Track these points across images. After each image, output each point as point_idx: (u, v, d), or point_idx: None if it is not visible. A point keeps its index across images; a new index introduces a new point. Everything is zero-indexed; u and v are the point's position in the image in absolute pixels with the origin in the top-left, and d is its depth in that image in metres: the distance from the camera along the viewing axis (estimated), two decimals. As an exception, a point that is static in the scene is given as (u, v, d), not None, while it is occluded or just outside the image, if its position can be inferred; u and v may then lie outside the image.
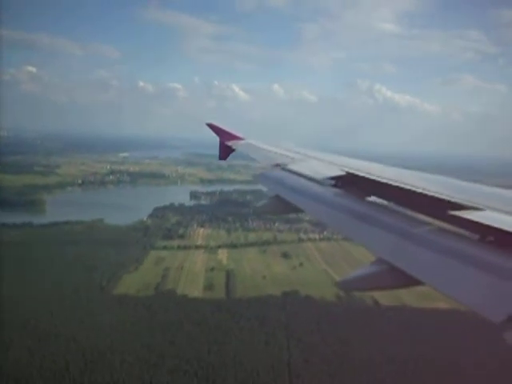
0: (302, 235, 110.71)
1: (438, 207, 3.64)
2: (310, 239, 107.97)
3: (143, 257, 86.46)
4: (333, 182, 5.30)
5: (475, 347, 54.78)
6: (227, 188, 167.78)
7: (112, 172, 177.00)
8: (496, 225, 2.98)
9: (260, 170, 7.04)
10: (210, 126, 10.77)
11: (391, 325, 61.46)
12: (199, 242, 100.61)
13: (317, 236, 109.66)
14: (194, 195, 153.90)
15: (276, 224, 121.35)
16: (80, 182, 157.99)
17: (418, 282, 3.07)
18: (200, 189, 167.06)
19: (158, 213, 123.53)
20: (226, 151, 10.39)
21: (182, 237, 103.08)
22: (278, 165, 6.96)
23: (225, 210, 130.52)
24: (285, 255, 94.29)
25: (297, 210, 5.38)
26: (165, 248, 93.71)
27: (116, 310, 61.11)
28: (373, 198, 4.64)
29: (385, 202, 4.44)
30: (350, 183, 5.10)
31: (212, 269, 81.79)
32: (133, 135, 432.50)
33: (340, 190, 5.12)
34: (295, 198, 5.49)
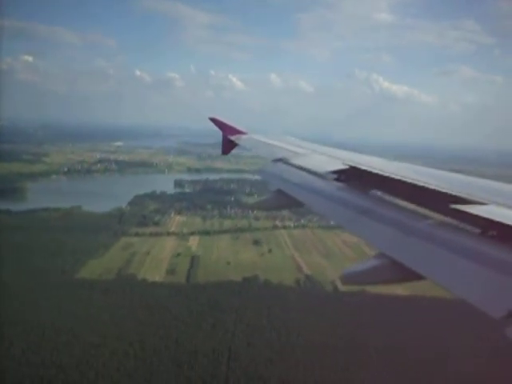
0: (278, 223, 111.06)
1: (440, 201, 3.61)
2: (284, 227, 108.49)
3: (112, 243, 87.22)
4: (335, 175, 5.30)
5: (425, 333, 55.33)
6: (213, 177, 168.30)
7: (100, 161, 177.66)
8: (498, 219, 2.96)
9: (263, 164, 7.10)
10: (213, 120, 10.72)
11: (345, 310, 61.84)
12: (173, 229, 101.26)
13: (292, 224, 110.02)
14: (178, 183, 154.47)
15: (254, 212, 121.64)
16: (66, 170, 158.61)
17: (419, 277, 3.02)
18: (186, 177, 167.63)
19: (138, 200, 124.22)
20: (228, 146, 10.31)
21: (156, 224, 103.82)
22: (280, 159, 6.96)
23: (206, 198, 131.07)
24: (256, 242, 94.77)
25: (299, 204, 5.33)
26: (136, 234, 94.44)
27: (71, 292, 61.83)
28: (375, 192, 4.64)
29: (387, 196, 4.43)
30: (353, 177, 5.10)
31: (178, 254, 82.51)
32: (130, 124, 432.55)
33: (342, 184, 5.11)
34: (297, 192, 5.46)
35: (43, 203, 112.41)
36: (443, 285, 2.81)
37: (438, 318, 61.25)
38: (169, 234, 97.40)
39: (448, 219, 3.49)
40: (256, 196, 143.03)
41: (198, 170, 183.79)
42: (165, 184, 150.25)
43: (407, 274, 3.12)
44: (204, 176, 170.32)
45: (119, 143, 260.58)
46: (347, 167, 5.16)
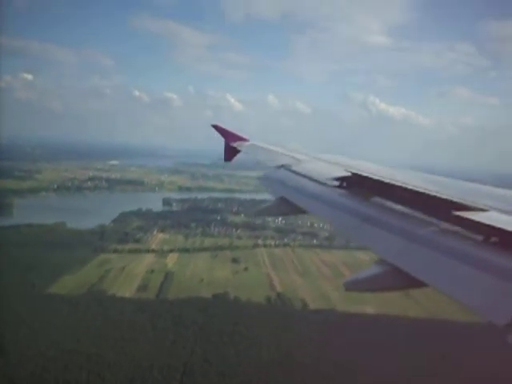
0: (260, 242, 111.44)
1: (442, 208, 3.60)
2: (265, 245, 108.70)
3: (90, 259, 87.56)
4: (338, 182, 5.29)
5: (387, 352, 55.14)
6: (202, 196, 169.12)
7: (90, 178, 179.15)
8: (500, 226, 2.95)
9: (265, 171, 7.00)
10: (216, 127, 10.84)
11: (311, 327, 61.71)
12: (153, 247, 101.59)
13: (273, 242, 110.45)
14: (166, 202, 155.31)
15: (238, 230, 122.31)
16: (55, 187, 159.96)
17: (422, 284, 3.03)
18: (175, 196, 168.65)
19: (122, 218, 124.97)
20: (231, 152, 10.38)
21: (137, 241, 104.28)
22: (282, 166, 6.96)
23: (191, 217, 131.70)
24: (235, 260, 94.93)
25: (301, 211, 5.33)
26: (115, 251, 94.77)
27: (38, 307, 62.03)
28: (378, 199, 4.60)
29: (389, 203, 4.39)
30: (355, 184, 5.09)
31: (152, 271, 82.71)
32: (127, 144, 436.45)
33: (345, 191, 5.12)
34: (300, 199, 5.46)
35: (28, 219, 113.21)
36: (446, 292, 2.79)
37: (403, 337, 61.31)
38: (148, 251, 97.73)
39: (450, 226, 3.48)
40: (242, 215, 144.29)
41: (188, 189, 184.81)
42: (153, 202, 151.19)
43: (410, 281, 3.10)
44: (194, 195, 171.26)
45: (114, 162, 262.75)
46: (349, 174, 5.10)
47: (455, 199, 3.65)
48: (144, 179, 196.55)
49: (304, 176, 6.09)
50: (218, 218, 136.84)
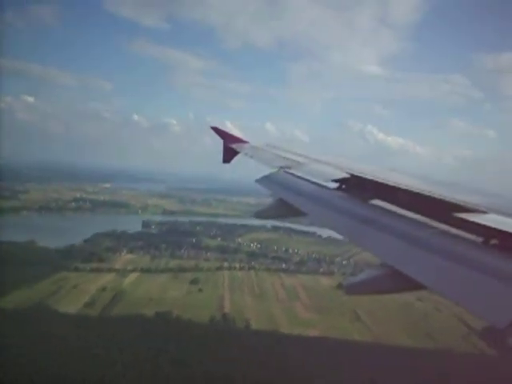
0: (226, 264, 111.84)
1: (441, 210, 3.60)
2: (230, 268, 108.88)
3: (46, 276, 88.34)
4: (337, 184, 5.28)
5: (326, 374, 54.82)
6: (184, 219, 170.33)
7: (75, 200, 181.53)
8: (500, 227, 2.97)
9: (264, 173, 7.03)
10: (215, 129, 10.72)
11: (239, 346, 61.44)
12: (116, 266, 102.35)
13: (238, 265, 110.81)
14: (146, 224, 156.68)
15: (208, 253, 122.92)
16: (37, 207, 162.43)
17: (421, 287, 3.00)
18: (157, 218, 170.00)
19: (95, 238, 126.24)
20: (229, 154, 10.18)
21: (102, 261, 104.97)
22: (281, 168, 6.92)
23: (164, 239, 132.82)
24: (193, 281, 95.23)
25: (300, 213, 5.28)
26: (76, 269, 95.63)
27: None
28: (377, 201, 4.55)
29: (389, 205, 4.35)
30: (355, 186, 5.05)
31: (104, 289, 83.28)
32: (126, 167, 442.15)
33: (344, 193, 5.09)
34: (298, 201, 5.44)
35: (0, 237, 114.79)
36: (445, 294, 2.77)
37: (346, 359, 60.92)
38: (110, 270, 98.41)
39: (450, 228, 3.45)
40: (219, 239, 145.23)
41: (172, 213, 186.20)
42: (133, 224, 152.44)
43: (410, 284, 3.07)
44: (176, 218, 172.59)
45: (107, 185, 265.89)
46: (348, 176, 5.12)
47: (455, 201, 3.63)
48: (130, 202, 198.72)
49: (303, 178, 6.03)
50: (194, 240, 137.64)
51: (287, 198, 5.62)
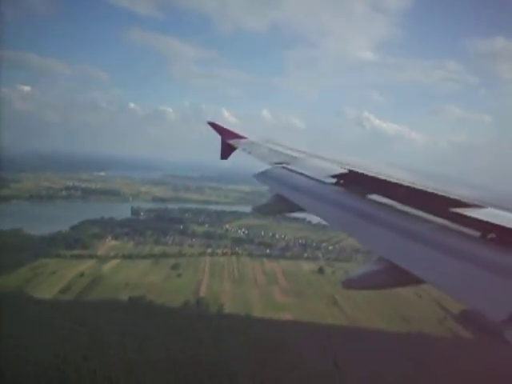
0: (209, 250, 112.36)
1: (439, 204, 3.61)
2: (212, 254, 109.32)
3: (26, 263, 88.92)
4: (335, 180, 5.25)
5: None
6: (173, 206, 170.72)
7: (66, 188, 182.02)
8: (498, 222, 2.99)
9: (262, 169, 7.01)
10: (212, 124, 10.63)
11: (209, 330, 61.93)
12: (99, 253, 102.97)
13: (220, 251, 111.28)
14: (135, 211, 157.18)
15: (193, 240, 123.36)
16: (28, 196, 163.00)
17: (419, 281, 3.01)
18: (147, 206, 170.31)
19: (81, 225, 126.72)
20: (227, 150, 10.17)
21: (85, 247, 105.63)
22: (279, 163, 6.93)
23: (151, 225, 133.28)
24: (174, 267, 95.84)
25: (298, 208, 5.30)
26: (57, 256, 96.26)
27: None
28: (375, 196, 4.55)
29: (387, 200, 4.34)
30: (352, 181, 5.05)
31: (82, 274, 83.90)
32: (122, 156, 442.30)
33: (342, 188, 5.07)
34: (296, 197, 5.43)
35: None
36: (443, 288, 2.77)
37: (313, 343, 61.29)
38: (91, 256, 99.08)
39: (447, 223, 3.46)
40: (207, 225, 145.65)
41: (163, 200, 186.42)
42: (122, 211, 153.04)
43: (407, 279, 3.08)
44: (167, 205, 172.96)
45: (102, 173, 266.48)
46: (346, 171, 5.13)
47: (452, 196, 3.62)
48: (123, 190, 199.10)
49: (301, 173, 6.03)
50: (181, 227, 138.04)
51: (285, 194, 5.58)
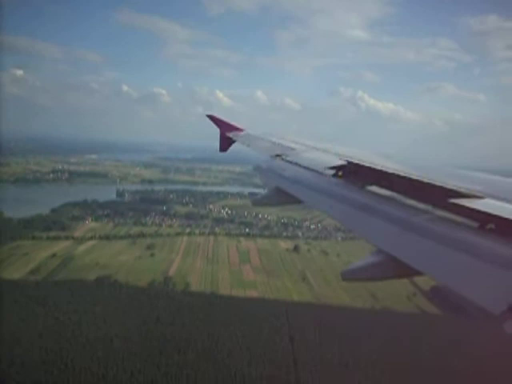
0: (188, 230, 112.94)
1: (437, 195, 3.59)
2: (190, 233, 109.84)
3: (1, 245, 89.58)
4: (333, 171, 5.26)
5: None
6: (160, 187, 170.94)
7: (53, 171, 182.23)
8: (496, 213, 2.98)
9: (260, 161, 6.99)
10: (211, 117, 10.74)
11: (170, 308, 62.49)
12: (76, 234, 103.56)
13: (197, 231, 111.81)
14: (120, 193, 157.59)
15: (173, 220, 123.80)
16: (13, 179, 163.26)
17: (417, 272, 3.01)
18: (134, 188, 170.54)
19: (63, 208, 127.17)
20: (226, 143, 10.30)
21: (62, 229, 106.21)
22: (278, 155, 6.90)
23: (133, 206, 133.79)
24: (149, 247, 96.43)
25: (296, 200, 5.30)
26: (33, 238, 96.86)
27: None
28: (374, 188, 4.56)
29: (385, 191, 4.36)
30: (351, 173, 5.05)
31: (53, 255, 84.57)
32: (115, 139, 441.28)
33: (341, 180, 5.09)
34: (295, 189, 5.44)
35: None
36: (441, 280, 2.77)
37: (273, 318, 61.90)
38: (67, 237, 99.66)
39: (446, 213, 3.45)
40: (191, 206, 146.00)
41: (150, 182, 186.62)
42: (108, 193, 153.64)
43: (406, 270, 3.09)
44: (153, 187, 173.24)
45: (94, 156, 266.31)
46: (345, 163, 5.10)
47: (451, 186, 3.61)
48: (112, 172, 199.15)
49: (299, 165, 6.04)
50: (164, 208, 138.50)
51: (284, 186, 5.61)
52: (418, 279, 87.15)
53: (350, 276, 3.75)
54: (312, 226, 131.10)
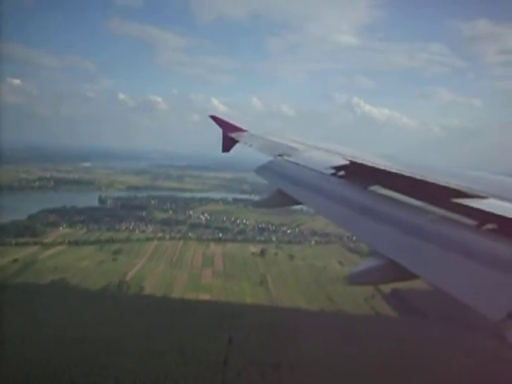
0: (160, 235, 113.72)
1: (440, 195, 3.56)
2: (160, 238, 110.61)
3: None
4: (335, 171, 5.24)
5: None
6: (144, 194, 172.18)
7: (40, 179, 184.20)
8: (500, 212, 2.94)
9: (263, 161, 7.02)
10: (213, 118, 10.78)
11: (116, 311, 62.88)
12: (47, 240, 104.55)
13: (168, 236, 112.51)
14: (102, 200, 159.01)
15: (149, 226, 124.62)
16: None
17: (417, 276, 2.97)
18: (117, 194, 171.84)
19: (40, 214, 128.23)
20: (229, 143, 10.31)
21: (34, 235, 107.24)
22: (280, 155, 6.91)
23: (113, 213, 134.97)
24: (116, 252, 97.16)
25: (298, 202, 5.24)
26: (3, 244, 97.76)
27: None
28: (376, 187, 4.51)
29: (388, 191, 4.31)
30: (353, 173, 5.01)
31: (14, 260, 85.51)
32: (112, 147, 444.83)
33: (343, 180, 5.05)
34: (295, 191, 5.42)
35: None
36: (439, 285, 2.67)
37: (217, 320, 62.12)
38: (36, 243, 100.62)
39: (449, 213, 3.40)
40: (171, 212, 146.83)
41: (137, 188, 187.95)
42: (90, 200, 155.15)
43: (405, 274, 3.03)
44: (137, 194, 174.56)
45: (87, 164, 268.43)
46: (347, 163, 5.09)
47: (453, 186, 3.57)
48: (99, 180, 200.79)
49: (301, 166, 6.01)
50: (144, 213, 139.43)
51: (285, 188, 5.56)
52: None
53: (355, 280, 3.72)
54: (289, 231, 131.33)
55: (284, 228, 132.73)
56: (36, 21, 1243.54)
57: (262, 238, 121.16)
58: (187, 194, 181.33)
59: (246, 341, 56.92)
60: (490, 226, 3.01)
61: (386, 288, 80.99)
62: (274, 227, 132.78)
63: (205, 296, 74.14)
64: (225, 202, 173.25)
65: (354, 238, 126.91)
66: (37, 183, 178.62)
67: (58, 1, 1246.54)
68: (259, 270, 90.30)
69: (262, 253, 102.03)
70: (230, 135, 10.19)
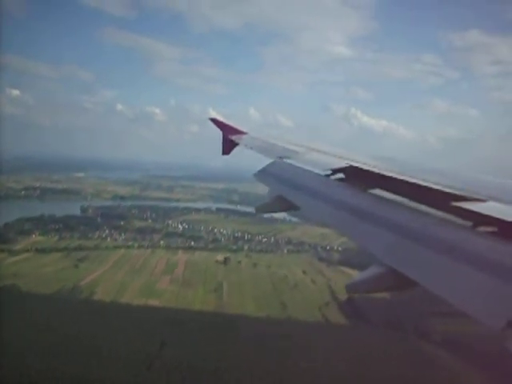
0: (130, 243, 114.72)
1: (440, 199, 3.54)
2: (129, 246, 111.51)
3: None
4: (335, 174, 5.22)
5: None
6: (127, 203, 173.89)
7: (25, 188, 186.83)
8: (500, 216, 2.91)
9: (263, 164, 7.01)
10: (213, 120, 10.76)
11: (62, 315, 63.24)
12: (16, 247, 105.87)
13: (136, 244, 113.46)
14: (84, 209, 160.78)
15: (123, 235, 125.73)
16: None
17: (417, 284, 2.86)
18: (101, 204, 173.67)
19: (16, 223, 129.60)
20: (229, 146, 10.23)
21: (4, 242, 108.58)
22: (280, 158, 6.91)
23: (90, 222, 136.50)
24: (81, 259, 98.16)
25: (296, 207, 5.18)
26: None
27: None
28: (376, 191, 4.49)
29: (387, 194, 4.26)
30: (353, 176, 5.01)
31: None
32: (108, 158, 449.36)
33: (342, 183, 5.07)
34: (294, 195, 5.38)
35: None
36: (438, 293, 2.58)
37: (157, 325, 62.43)
38: (3, 250, 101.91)
39: (448, 217, 3.39)
40: (150, 221, 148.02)
41: (122, 198, 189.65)
42: (73, 209, 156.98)
43: (405, 282, 2.97)
44: (123, 203, 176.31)
45: (81, 174, 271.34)
46: (347, 166, 5.09)
47: (453, 190, 3.55)
48: (86, 189, 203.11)
49: (300, 169, 5.97)
50: (122, 223, 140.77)
51: (285, 193, 5.52)
52: (337, 289, 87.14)
53: (354, 289, 3.67)
54: (264, 240, 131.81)
55: (260, 237, 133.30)
56: (33, 31, 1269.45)
57: (234, 247, 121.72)
58: (172, 204, 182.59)
59: (183, 345, 57.23)
60: (489, 229, 2.98)
61: (343, 297, 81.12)
62: (249, 236, 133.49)
63: (154, 302, 74.62)
64: (207, 211, 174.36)
65: (328, 248, 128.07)
66: (22, 192, 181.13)
67: (55, 11, 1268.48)
68: (217, 278, 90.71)
69: (226, 261, 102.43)
70: (230, 138, 10.06)
